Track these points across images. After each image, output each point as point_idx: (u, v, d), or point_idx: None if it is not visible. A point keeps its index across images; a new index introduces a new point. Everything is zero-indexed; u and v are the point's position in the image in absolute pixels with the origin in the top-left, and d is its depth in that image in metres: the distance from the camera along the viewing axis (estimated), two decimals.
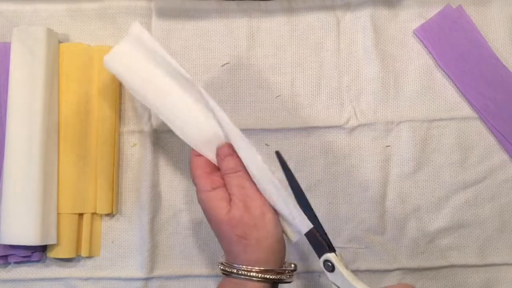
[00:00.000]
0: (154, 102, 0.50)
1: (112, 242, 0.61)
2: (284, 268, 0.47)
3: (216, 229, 0.47)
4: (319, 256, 0.47)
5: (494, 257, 0.62)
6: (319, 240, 0.47)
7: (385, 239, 0.62)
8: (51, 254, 0.59)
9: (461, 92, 0.63)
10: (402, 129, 0.63)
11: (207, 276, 0.61)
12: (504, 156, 0.63)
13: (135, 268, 0.60)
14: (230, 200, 0.47)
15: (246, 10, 0.64)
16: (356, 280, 0.45)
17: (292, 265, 0.49)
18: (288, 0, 0.65)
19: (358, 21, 0.64)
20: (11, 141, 0.57)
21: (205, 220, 0.49)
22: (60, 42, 0.62)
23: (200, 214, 0.54)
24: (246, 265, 0.45)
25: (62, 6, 0.64)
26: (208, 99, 0.48)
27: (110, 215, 0.61)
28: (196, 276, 0.61)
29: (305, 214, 0.48)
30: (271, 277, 0.45)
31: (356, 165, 0.63)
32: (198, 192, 0.48)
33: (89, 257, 0.60)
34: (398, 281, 0.61)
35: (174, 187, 0.62)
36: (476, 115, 0.63)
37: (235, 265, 0.45)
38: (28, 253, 0.58)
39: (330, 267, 0.46)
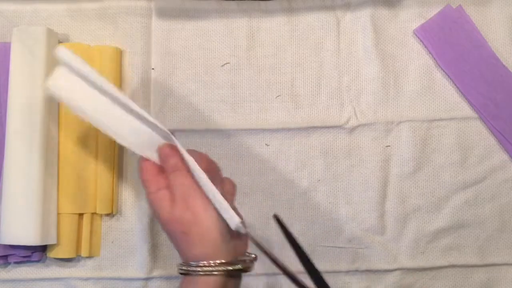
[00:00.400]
0: (98, 120, 0.49)
1: (112, 242, 0.61)
2: (240, 259, 0.47)
3: (164, 229, 0.48)
4: None
5: (494, 257, 0.62)
6: None
7: (385, 239, 0.62)
8: (51, 254, 0.59)
9: (461, 92, 0.63)
10: (402, 129, 0.63)
11: None
12: (504, 156, 0.63)
13: (135, 268, 0.60)
14: (174, 199, 0.47)
15: (246, 10, 0.64)
16: None
17: (253, 255, 0.49)
18: (288, 0, 0.65)
19: (358, 21, 0.64)
20: (11, 141, 0.57)
21: None
22: (60, 42, 0.62)
23: None
24: (195, 261, 0.45)
25: (62, 6, 0.64)
26: (134, 107, 0.49)
27: (110, 215, 0.61)
28: None
29: (310, 276, 0.48)
30: (221, 268, 0.45)
31: (356, 165, 0.63)
32: (146, 194, 0.48)
33: (89, 257, 0.60)
34: (398, 281, 0.61)
35: None
36: (476, 115, 0.63)
37: (186, 263, 0.46)
38: (28, 253, 0.58)
39: None
